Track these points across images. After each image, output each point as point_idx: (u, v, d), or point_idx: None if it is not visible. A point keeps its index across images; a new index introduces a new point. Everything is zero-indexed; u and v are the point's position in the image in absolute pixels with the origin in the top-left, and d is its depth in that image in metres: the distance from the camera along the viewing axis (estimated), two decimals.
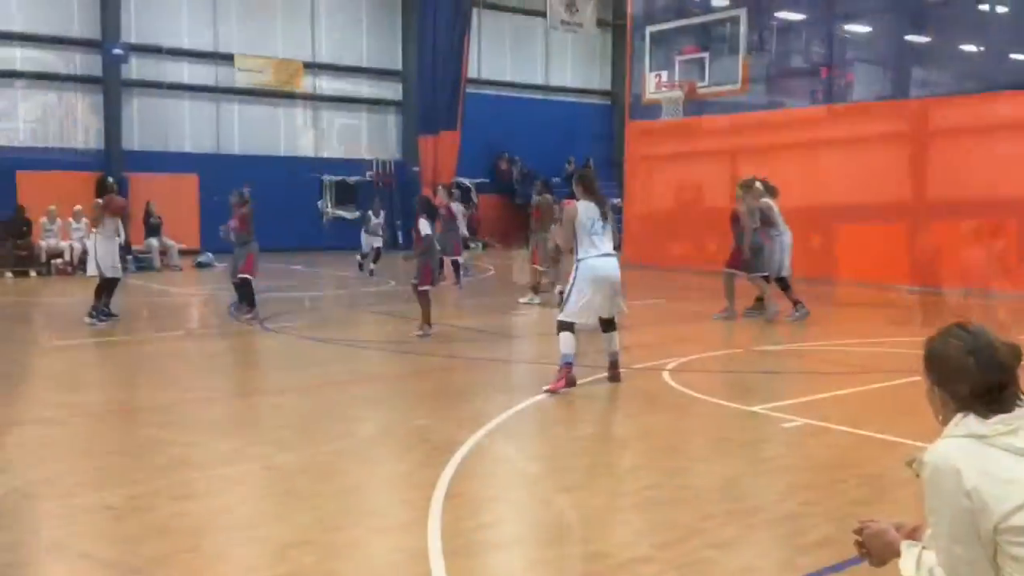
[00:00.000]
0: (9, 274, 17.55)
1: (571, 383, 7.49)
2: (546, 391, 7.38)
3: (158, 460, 5.69)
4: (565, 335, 7.47)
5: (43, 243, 18.36)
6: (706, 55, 18.27)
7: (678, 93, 18.37)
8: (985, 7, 17.84)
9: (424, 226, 10.57)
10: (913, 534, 2.50)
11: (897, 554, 2.45)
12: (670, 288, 16.03)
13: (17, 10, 20.97)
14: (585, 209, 7.51)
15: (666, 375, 8.39)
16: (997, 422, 2.24)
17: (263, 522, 4.68)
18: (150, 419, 6.96)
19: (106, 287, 11.55)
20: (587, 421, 6.97)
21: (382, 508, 4.95)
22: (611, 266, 7.55)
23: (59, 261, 18.35)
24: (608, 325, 7.78)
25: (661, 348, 10.18)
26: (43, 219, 18.56)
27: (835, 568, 3.98)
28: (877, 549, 2.53)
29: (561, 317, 7.58)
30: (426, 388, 8.24)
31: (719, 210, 12.88)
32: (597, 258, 7.45)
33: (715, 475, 5.50)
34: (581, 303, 7.47)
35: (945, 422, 2.35)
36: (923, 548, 2.38)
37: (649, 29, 19.59)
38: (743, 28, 17.24)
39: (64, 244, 18.54)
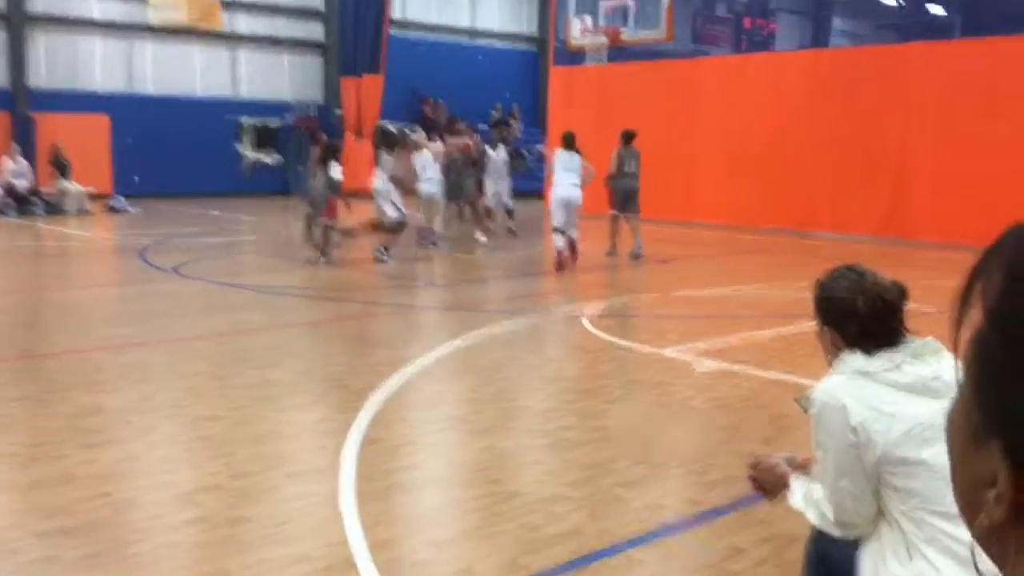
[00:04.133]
0: None
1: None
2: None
3: (64, 408, 5.56)
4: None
5: None
6: (631, 1, 18.22)
7: (602, 39, 18.32)
8: None
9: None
10: (803, 468, 2.60)
11: (787, 487, 2.54)
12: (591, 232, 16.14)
13: None
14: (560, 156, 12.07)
15: (584, 320, 8.49)
16: (882, 359, 2.33)
17: (172, 469, 4.63)
18: (58, 367, 6.77)
19: None
20: (505, 366, 7.03)
21: (295, 454, 4.93)
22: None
23: None
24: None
25: (578, 292, 10.30)
26: None
27: (737, 504, 4.13)
28: (770, 484, 2.63)
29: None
30: (343, 334, 8.19)
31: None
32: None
33: (627, 417, 5.63)
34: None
35: (833, 360, 2.43)
36: (811, 482, 2.47)
37: None
38: None
39: None
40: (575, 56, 20.01)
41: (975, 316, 0.65)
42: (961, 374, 0.69)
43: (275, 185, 24.14)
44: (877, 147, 15.58)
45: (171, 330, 7.98)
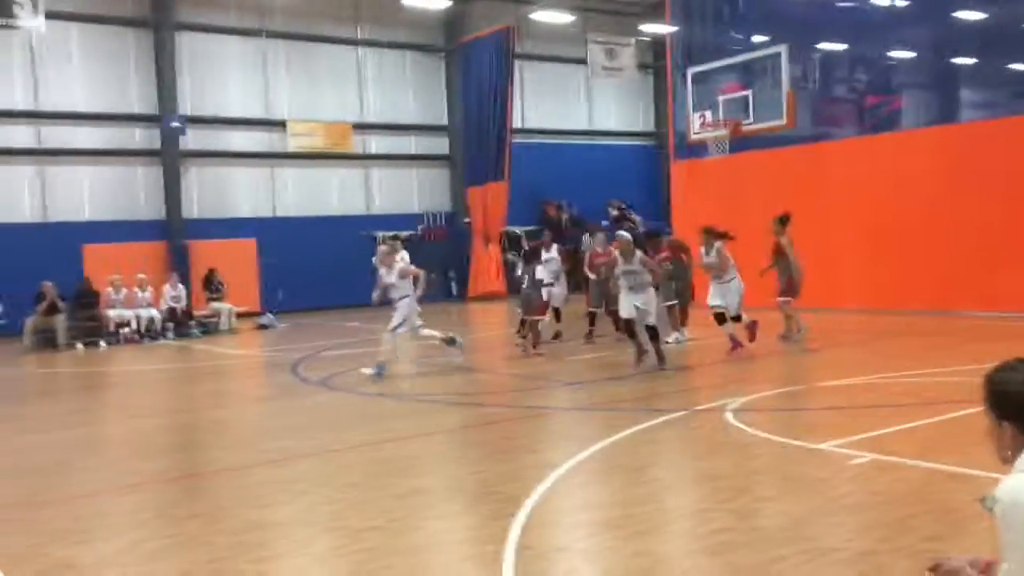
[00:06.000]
0: (80, 345, 18.09)
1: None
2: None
3: (232, 524, 5.83)
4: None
5: (111, 313, 18.92)
6: (749, 92, 18.32)
7: (722, 131, 18.42)
8: None
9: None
10: (988, 570, 2.49)
11: None
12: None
13: (80, 91, 21.90)
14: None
15: (729, 415, 8.35)
16: None
17: None
18: (222, 483, 7.12)
19: None
20: (653, 466, 6.96)
21: (454, 564, 5.01)
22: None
23: (127, 330, 18.87)
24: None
25: (723, 388, 10.13)
26: (108, 289, 19.15)
27: None
28: None
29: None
30: (489, 439, 8.31)
31: (768, 244, 13.03)
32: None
33: (785, 515, 5.46)
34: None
35: (1014, 457, 2.36)
36: None
37: (690, 70, 19.73)
38: (785, 63, 17.26)
39: (129, 313, 19.08)
40: (695, 149, 20.16)
41: None
42: None
43: None
44: (1021, 219, 14.95)
45: (324, 442, 8.29)
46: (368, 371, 11.85)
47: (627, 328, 11.86)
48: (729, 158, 18.99)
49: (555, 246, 15.55)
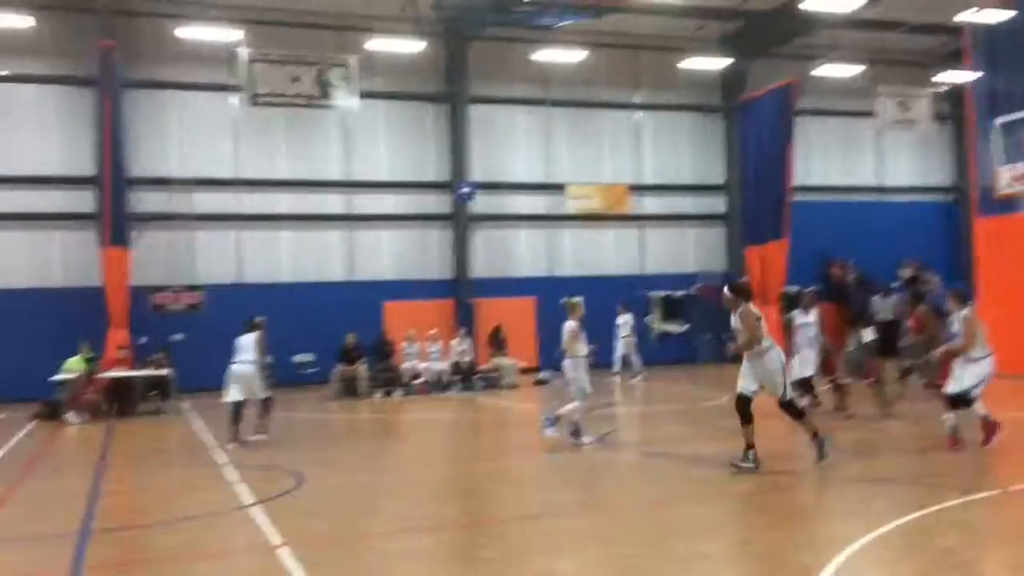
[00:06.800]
0: (378, 394, 19.63)
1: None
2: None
3: (523, 571, 6.04)
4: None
5: (406, 365, 20.41)
6: None
7: None
8: None
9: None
10: None
11: None
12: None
13: (384, 161, 24.12)
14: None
15: None
16: None
17: None
18: (522, 530, 7.39)
19: None
20: (961, 550, 6.38)
21: None
22: None
23: (418, 381, 20.24)
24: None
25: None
26: (404, 343, 20.70)
27: None
28: None
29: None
30: (776, 504, 8.00)
31: None
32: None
33: None
34: None
35: None
36: None
37: (997, 120, 18.22)
38: None
39: (422, 366, 20.47)
40: (1003, 204, 18.49)
41: None
42: None
43: (682, 353, 24.90)
44: None
45: (604, 498, 8.38)
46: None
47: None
48: None
49: (815, 309, 13.84)
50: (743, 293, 9.63)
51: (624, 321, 21.72)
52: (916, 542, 6.53)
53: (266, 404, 12.95)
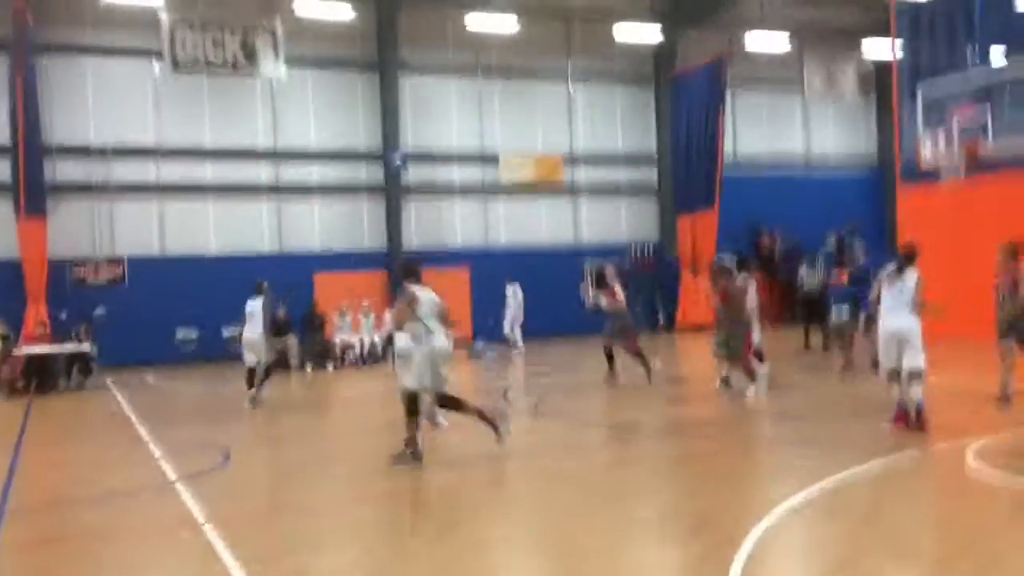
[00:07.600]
0: (309, 368, 19.34)
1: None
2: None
3: (456, 540, 5.98)
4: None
5: (337, 339, 20.12)
6: (988, 112, 16.98)
7: (959, 155, 17.16)
8: None
9: None
10: None
11: None
12: (960, 362, 14.75)
13: (313, 131, 23.64)
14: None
15: (970, 458, 7.68)
16: None
17: None
18: (444, 500, 7.33)
19: None
20: (883, 508, 6.51)
21: None
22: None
23: (351, 354, 19.99)
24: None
25: (963, 427, 9.36)
26: (335, 316, 20.40)
27: None
28: None
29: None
30: (704, 471, 8.08)
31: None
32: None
33: None
34: None
35: None
36: None
37: (920, 91, 18.59)
38: None
39: (354, 339, 20.21)
40: (926, 173, 18.91)
41: None
42: None
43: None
44: None
45: (534, 466, 8.37)
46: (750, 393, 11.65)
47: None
48: (964, 182, 17.66)
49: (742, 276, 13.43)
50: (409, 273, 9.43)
51: (512, 292, 21.81)
52: (841, 504, 6.64)
53: (267, 371, 13.40)
